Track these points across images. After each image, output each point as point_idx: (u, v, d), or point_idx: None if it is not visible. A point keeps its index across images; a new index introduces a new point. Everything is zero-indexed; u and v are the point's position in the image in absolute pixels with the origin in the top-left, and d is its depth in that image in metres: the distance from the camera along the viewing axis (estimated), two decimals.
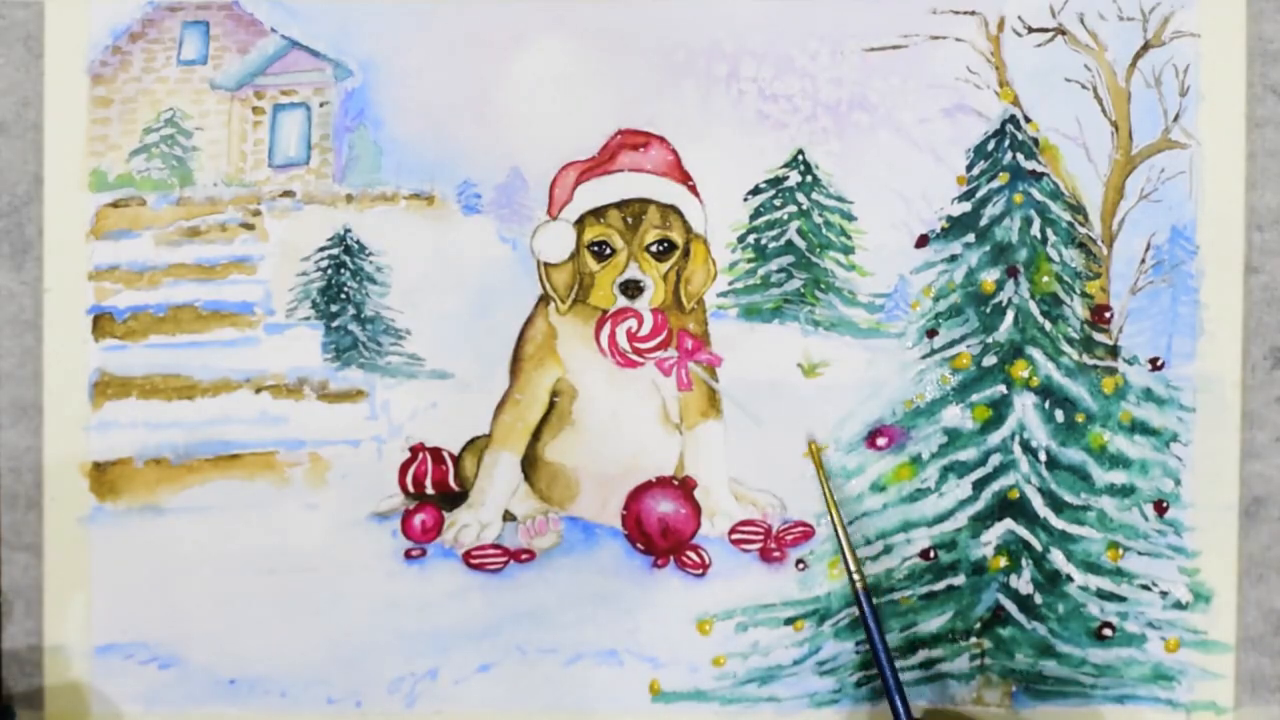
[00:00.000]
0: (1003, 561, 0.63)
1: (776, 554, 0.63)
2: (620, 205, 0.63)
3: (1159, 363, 0.63)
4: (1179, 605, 0.63)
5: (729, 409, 0.63)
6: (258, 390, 0.63)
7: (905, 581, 0.63)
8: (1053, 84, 0.63)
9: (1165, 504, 0.63)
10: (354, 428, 0.63)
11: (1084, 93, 0.63)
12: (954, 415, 0.63)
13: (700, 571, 0.63)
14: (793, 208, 0.63)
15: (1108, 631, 0.63)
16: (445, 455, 0.64)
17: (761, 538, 0.63)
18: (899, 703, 0.58)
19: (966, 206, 0.63)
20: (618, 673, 0.63)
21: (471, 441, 0.64)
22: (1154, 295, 0.63)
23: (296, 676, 0.63)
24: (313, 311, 0.63)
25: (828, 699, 0.63)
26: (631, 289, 0.63)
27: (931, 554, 0.63)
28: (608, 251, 0.63)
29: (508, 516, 0.64)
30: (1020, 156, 0.63)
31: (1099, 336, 0.63)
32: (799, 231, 0.64)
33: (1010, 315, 0.63)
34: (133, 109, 0.63)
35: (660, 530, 0.63)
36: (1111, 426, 0.63)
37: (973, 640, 0.63)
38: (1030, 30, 0.63)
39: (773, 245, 0.64)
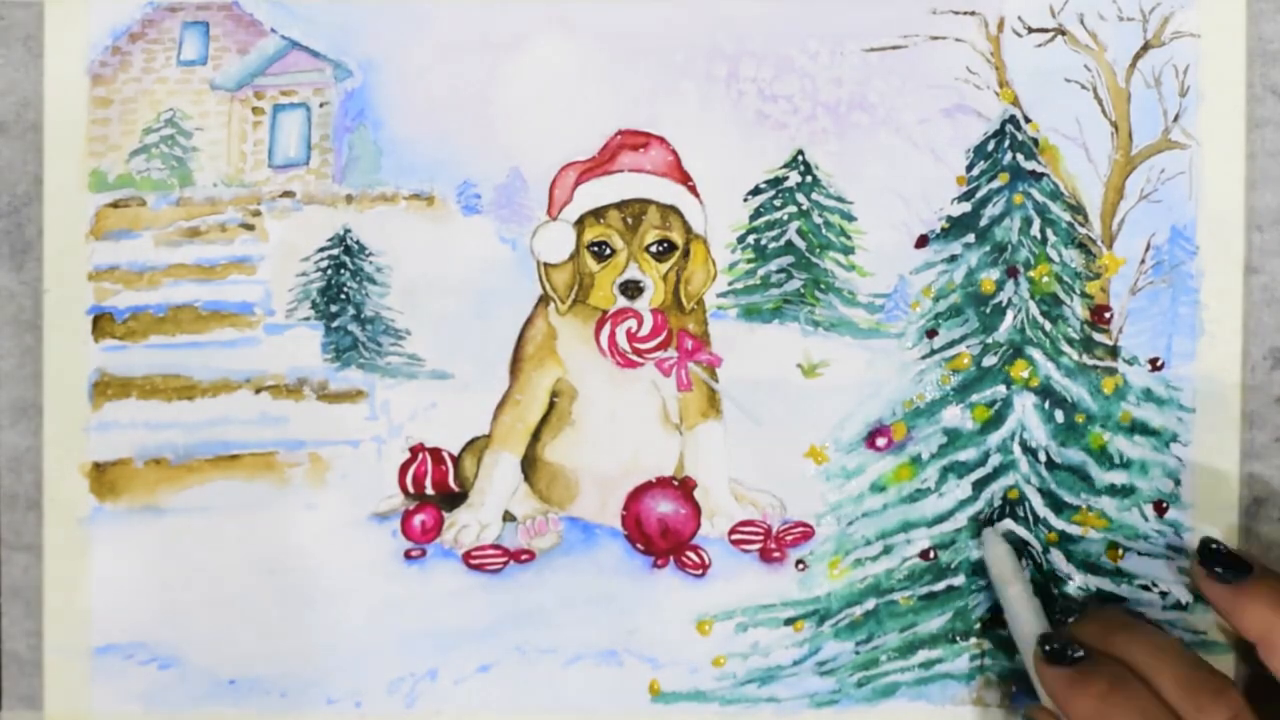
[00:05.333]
0: None
1: (776, 554, 0.63)
2: (620, 205, 0.63)
3: (1159, 363, 0.63)
4: (1179, 606, 0.63)
5: (729, 409, 0.63)
6: (258, 390, 0.63)
7: (905, 582, 0.63)
8: (1053, 84, 0.63)
9: (1165, 504, 0.63)
10: (354, 428, 0.63)
11: (1084, 93, 0.63)
12: (954, 415, 0.63)
13: (700, 572, 0.63)
14: (793, 208, 0.63)
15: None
16: (445, 456, 0.64)
17: (761, 538, 0.63)
18: None
19: (966, 207, 0.63)
20: (617, 673, 0.63)
21: (471, 442, 0.64)
22: (1154, 295, 0.63)
23: (296, 676, 0.63)
24: (313, 312, 0.63)
25: (828, 699, 0.63)
26: (631, 289, 0.63)
27: (931, 554, 0.63)
28: (607, 252, 0.63)
29: (507, 517, 0.64)
30: (1020, 157, 0.63)
31: (1099, 337, 0.63)
32: (799, 232, 0.64)
33: (1010, 315, 0.63)
34: (133, 109, 0.63)
35: (660, 530, 0.63)
36: (1111, 427, 0.63)
37: (973, 640, 0.63)
38: (1030, 30, 0.63)
39: (773, 246, 0.64)
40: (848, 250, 0.64)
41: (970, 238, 0.63)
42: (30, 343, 0.63)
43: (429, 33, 0.63)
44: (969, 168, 0.63)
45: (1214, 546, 0.57)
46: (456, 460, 0.64)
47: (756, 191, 0.64)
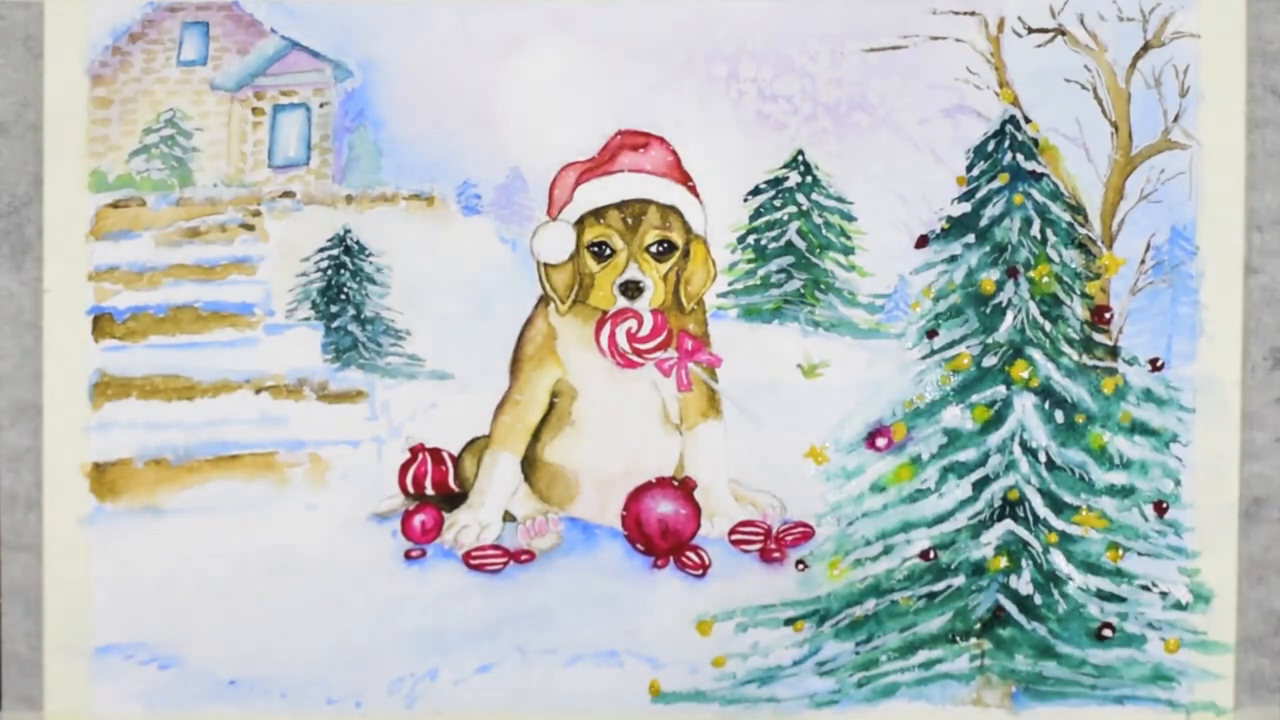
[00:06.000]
0: (1002, 562, 0.63)
1: (776, 554, 0.63)
2: (620, 206, 0.63)
3: (1159, 363, 0.63)
4: (1179, 606, 0.63)
5: (729, 409, 0.63)
6: (257, 391, 0.63)
7: (905, 582, 0.63)
8: (1053, 84, 0.63)
9: (1165, 504, 0.63)
10: (354, 428, 0.63)
11: (1084, 93, 0.63)
12: (954, 416, 0.63)
13: (700, 572, 0.63)
14: (792, 208, 0.63)
15: (1107, 632, 0.63)
16: (445, 456, 0.64)
17: (761, 538, 0.63)
18: None
19: (966, 207, 0.63)
20: (618, 673, 0.63)
21: (471, 442, 0.64)
22: (1154, 296, 0.63)
23: (296, 676, 0.63)
24: (313, 312, 0.63)
25: (827, 699, 0.63)
26: (631, 289, 0.63)
27: (931, 554, 0.63)
28: (607, 252, 0.63)
29: (507, 517, 0.64)
30: (1020, 157, 0.63)
31: (1099, 337, 0.63)
32: (799, 232, 0.64)
33: (1010, 316, 0.63)
34: (133, 109, 0.63)
35: (660, 531, 0.63)
36: (1111, 427, 0.63)
37: (973, 640, 0.63)
38: (1030, 31, 0.63)
39: (772, 246, 0.64)
40: (848, 250, 0.64)
41: (970, 238, 0.63)
42: (30, 343, 0.63)
43: (429, 33, 0.63)
44: (969, 168, 0.63)
45: None
46: (456, 460, 0.64)
47: (756, 191, 0.64)
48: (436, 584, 0.63)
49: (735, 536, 0.63)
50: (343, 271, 0.63)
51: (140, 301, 0.63)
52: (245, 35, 0.64)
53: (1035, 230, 0.63)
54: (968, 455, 0.63)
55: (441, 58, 0.63)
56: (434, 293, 0.63)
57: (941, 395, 0.63)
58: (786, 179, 0.63)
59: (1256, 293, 0.63)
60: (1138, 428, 0.63)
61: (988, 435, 0.63)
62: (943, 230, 0.63)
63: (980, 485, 0.63)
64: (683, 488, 0.64)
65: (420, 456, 0.63)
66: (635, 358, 0.63)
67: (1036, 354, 0.63)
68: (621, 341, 0.63)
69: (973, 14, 0.63)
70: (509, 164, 0.63)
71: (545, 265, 0.63)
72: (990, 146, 0.63)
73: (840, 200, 0.63)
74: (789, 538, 0.63)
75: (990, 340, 0.63)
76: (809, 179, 0.63)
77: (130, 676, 0.63)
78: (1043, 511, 0.63)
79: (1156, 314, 0.63)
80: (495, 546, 0.63)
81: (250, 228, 0.63)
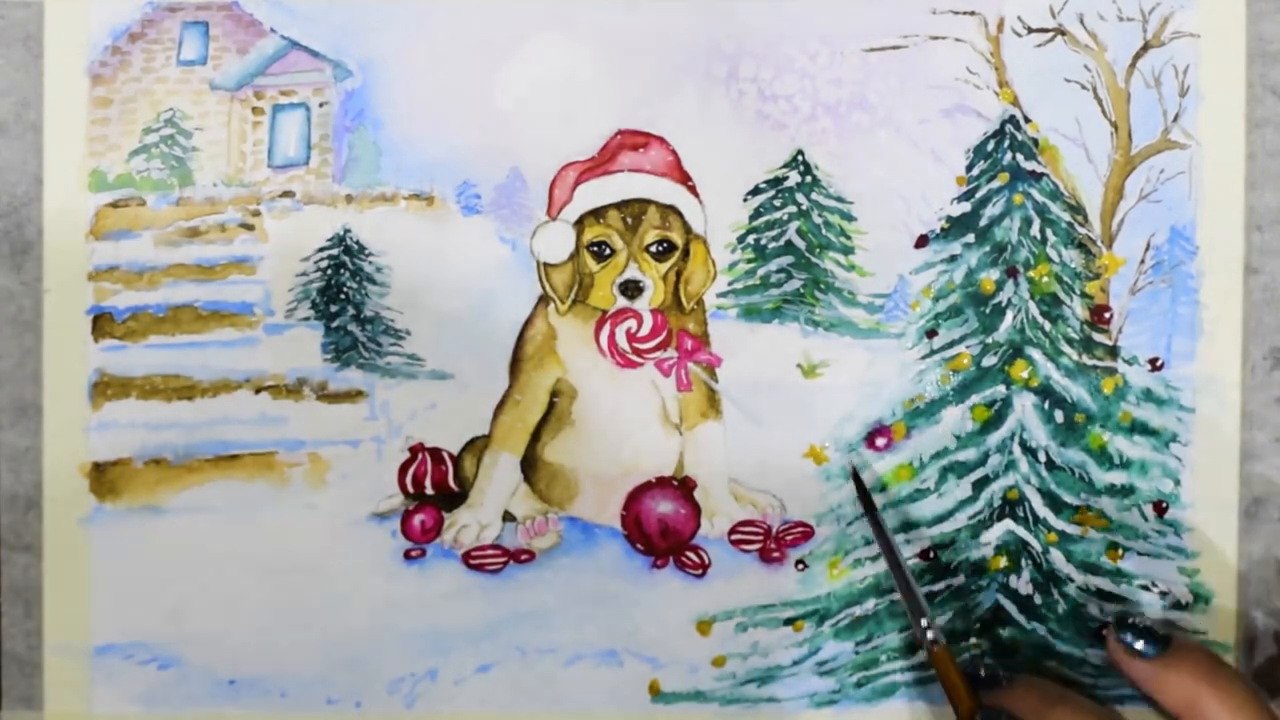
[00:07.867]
0: (1002, 562, 0.63)
1: (776, 554, 0.63)
2: (620, 205, 0.63)
3: (1159, 363, 0.63)
4: (1179, 606, 0.63)
5: (729, 409, 0.63)
6: (257, 390, 0.63)
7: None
8: (1052, 84, 0.63)
9: (1165, 504, 0.63)
10: (354, 428, 0.63)
11: (1084, 93, 0.63)
12: (954, 416, 0.63)
13: (700, 572, 0.63)
14: (792, 208, 0.63)
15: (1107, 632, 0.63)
16: (445, 455, 0.64)
17: (761, 538, 0.63)
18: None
19: (966, 207, 0.63)
20: (617, 673, 0.63)
21: (471, 442, 0.64)
22: (1154, 296, 0.63)
23: (296, 677, 0.63)
24: (312, 312, 0.63)
25: (827, 699, 0.63)
26: (631, 289, 0.63)
27: (931, 554, 0.63)
28: (607, 252, 0.63)
29: (507, 517, 0.64)
30: (1020, 157, 0.63)
31: (1099, 337, 0.63)
32: (799, 232, 0.64)
33: (1010, 315, 0.63)
34: (132, 109, 0.63)
35: (660, 531, 0.63)
36: (1111, 427, 0.63)
37: (972, 640, 0.63)
38: (1030, 30, 0.63)
39: (772, 246, 0.64)
40: (848, 250, 0.64)
41: (970, 238, 0.63)
42: (30, 343, 0.63)
43: (429, 33, 0.63)
44: (969, 168, 0.63)
45: (1132, 621, 0.56)
46: (456, 460, 0.64)
47: (756, 191, 0.64)
48: (436, 584, 0.63)
49: (735, 536, 0.63)
50: (343, 271, 0.63)
51: (140, 301, 0.63)
52: (245, 35, 0.64)
53: (1035, 230, 0.63)
54: (967, 455, 0.63)
55: (441, 58, 0.63)
56: (434, 293, 0.63)
57: (941, 395, 0.63)
58: (786, 179, 0.63)
59: (1256, 293, 0.63)
60: (1137, 428, 0.63)
61: (987, 435, 0.63)
62: (943, 230, 0.63)
63: (980, 485, 0.63)
64: (683, 487, 0.64)
65: (420, 456, 0.63)
66: (635, 358, 0.63)
67: (1036, 354, 0.63)
68: (621, 341, 0.63)
69: (973, 14, 0.63)
70: (509, 164, 0.63)
71: (545, 265, 0.63)
72: (990, 146, 0.63)
73: (840, 200, 0.63)
74: (789, 538, 0.63)
75: (990, 340, 0.63)
76: (809, 179, 0.63)
77: (130, 676, 0.63)
78: (1042, 511, 0.63)
79: (1156, 314, 0.63)
80: (495, 546, 0.63)
81: (250, 227, 0.63)
